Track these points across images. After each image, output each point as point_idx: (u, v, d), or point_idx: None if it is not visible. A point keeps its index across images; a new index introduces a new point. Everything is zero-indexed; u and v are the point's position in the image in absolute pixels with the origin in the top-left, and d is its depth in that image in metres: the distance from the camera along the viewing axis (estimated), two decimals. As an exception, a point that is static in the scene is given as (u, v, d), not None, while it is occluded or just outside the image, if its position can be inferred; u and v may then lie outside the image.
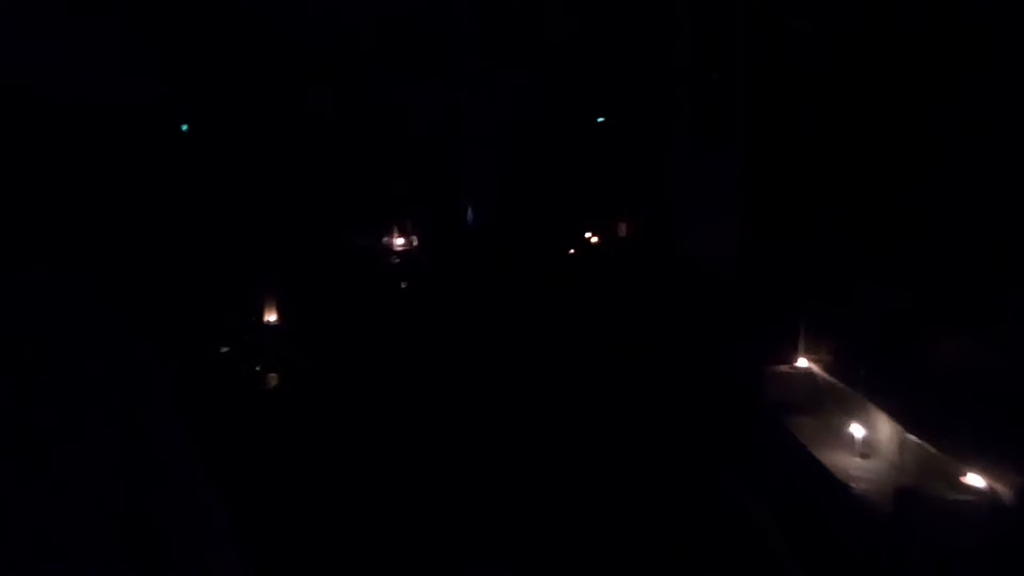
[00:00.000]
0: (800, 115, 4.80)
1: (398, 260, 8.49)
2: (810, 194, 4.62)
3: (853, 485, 2.98)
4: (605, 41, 8.30)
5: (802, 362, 4.05)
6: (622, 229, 8.51)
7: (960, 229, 3.33)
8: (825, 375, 3.87)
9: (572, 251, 8.40)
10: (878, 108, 4.15)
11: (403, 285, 7.75)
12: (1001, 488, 2.49)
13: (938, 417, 2.89)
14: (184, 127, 7.13)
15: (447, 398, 4.59)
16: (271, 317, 6.06)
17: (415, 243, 8.82)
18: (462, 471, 3.63)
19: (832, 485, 3.04)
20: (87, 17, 6.11)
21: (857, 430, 3.24)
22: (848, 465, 3.15)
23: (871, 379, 3.50)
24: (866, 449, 3.21)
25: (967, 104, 3.51)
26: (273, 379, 5.28)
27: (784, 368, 4.03)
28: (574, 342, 5.59)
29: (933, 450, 2.78)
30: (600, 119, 8.83)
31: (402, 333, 5.93)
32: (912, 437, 2.95)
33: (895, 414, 3.13)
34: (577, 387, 4.73)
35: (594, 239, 8.60)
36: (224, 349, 5.61)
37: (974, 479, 2.55)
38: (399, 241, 8.80)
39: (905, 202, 3.94)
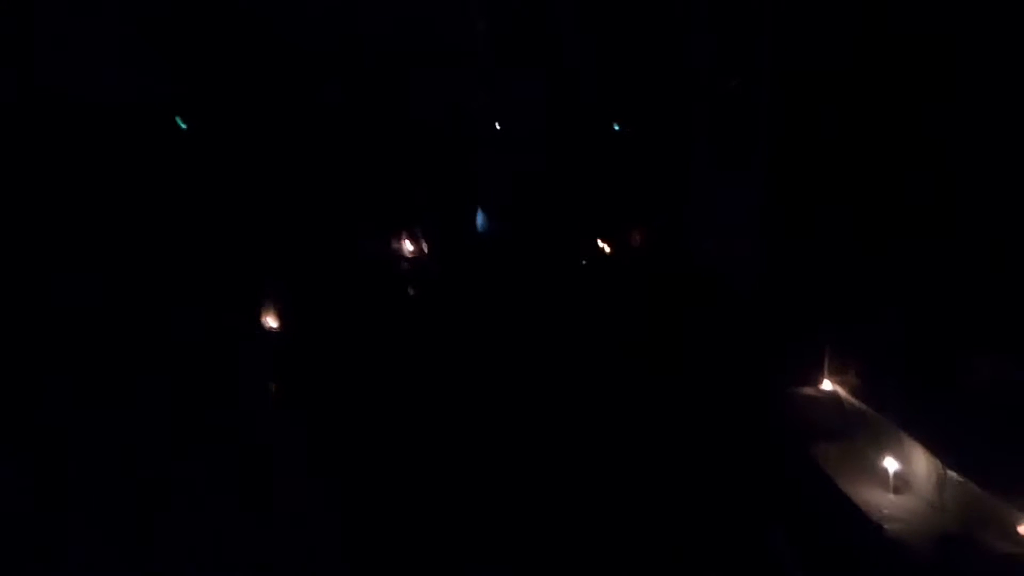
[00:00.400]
0: (827, 123, 4.59)
1: (407, 266, 8.39)
2: (835, 205, 4.42)
3: (887, 525, 2.74)
4: (620, 45, 8.17)
5: (827, 384, 3.87)
6: (636, 239, 8.33)
7: (1006, 242, 3.07)
8: (852, 399, 3.66)
9: (584, 261, 8.22)
10: (914, 117, 3.93)
11: (411, 291, 7.62)
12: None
13: (984, 452, 2.62)
14: (183, 125, 7.04)
15: (455, 409, 4.44)
16: (272, 323, 5.92)
17: (425, 249, 8.72)
18: (469, 483, 3.56)
19: (863, 524, 2.81)
20: (87, 17, 6.05)
21: (890, 463, 3.02)
22: (880, 502, 2.93)
23: (905, 405, 3.23)
24: (900, 485, 2.99)
25: (1002, 114, 3.27)
26: (271, 388, 5.15)
27: (807, 390, 3.89)
28: (584, 356, 5.39)
29: (979, 490, 2.51)
30: (616, 126, 8.68)
31: (409, 340, 5.79)
32: (954, 474, 2.68)
33: (933, 447, 2.89)
34: (586, 403, 4.51)
35: (607, 249, 8.42)
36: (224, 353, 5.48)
37: (1030, 528, 2.28)
38: (409, 247, 8.71)
39: (941, 214, 3.70)
